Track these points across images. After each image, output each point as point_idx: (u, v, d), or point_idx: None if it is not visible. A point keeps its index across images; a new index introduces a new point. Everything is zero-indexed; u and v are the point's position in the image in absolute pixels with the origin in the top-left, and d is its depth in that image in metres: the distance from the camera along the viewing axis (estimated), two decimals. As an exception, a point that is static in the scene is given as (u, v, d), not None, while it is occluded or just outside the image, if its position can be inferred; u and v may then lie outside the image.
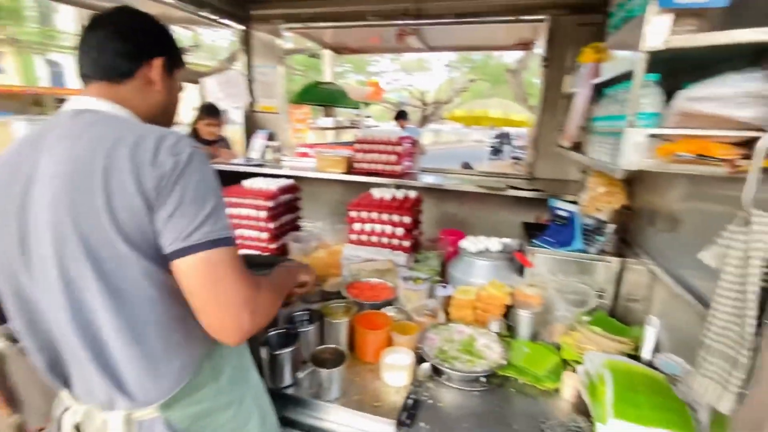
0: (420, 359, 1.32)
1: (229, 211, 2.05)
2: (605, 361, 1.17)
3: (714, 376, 0.77)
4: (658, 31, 0.88)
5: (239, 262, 0.76)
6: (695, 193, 1.19)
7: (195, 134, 2.75)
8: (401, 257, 1.80)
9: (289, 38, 3.56)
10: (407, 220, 1.77)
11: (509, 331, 1.53)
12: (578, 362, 1.30)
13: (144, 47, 0.86)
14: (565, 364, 1.35)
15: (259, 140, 2.94)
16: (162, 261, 0.72)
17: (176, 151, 0.71)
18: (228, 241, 0.74)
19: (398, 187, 2.12)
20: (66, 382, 0.84)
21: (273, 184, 2.10)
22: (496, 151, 13.73)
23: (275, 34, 2.80)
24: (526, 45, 3.01)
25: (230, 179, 2.21)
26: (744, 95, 0.78)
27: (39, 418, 1.51)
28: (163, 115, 0.92)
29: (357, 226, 1.85)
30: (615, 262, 1.55)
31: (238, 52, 2.91)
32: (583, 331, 1.34)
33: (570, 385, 1.22)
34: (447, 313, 1.61)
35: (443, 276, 1.85)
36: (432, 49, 3.30)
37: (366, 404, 1.16)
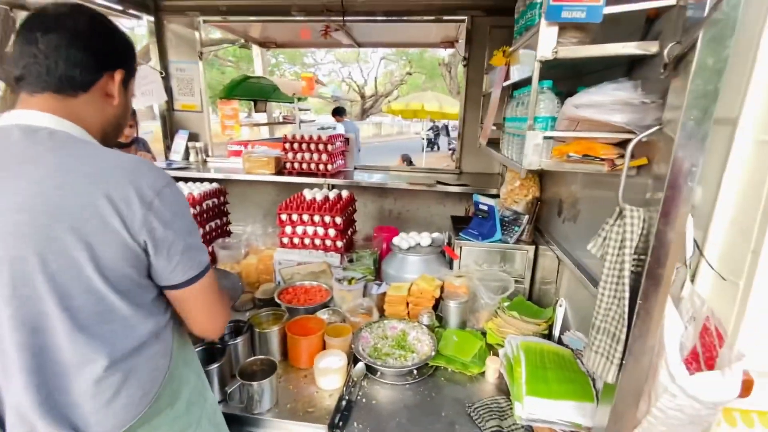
0: (355, 359, 1.34)
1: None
2: (521, 342, 1.28)
3: (602, 351, 0.88)
4: (548, 42, 0.96)
5: (215, 275, 0.87)
6: (590, 186, 1.33)
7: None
8: (335, 258, 1.80)
9: (212, 31, 3.35)
10: (339, 220, 1.76)
11: (440, 322, 1.61)
12: (501, 345, 1.41)
13: (106, 58, 0.76)
14: (491, 348, 1.46)
15: (180, 141, 2.76)
16: (128, 294, 0.73)
17: (157, 188, 0.71)
18: (209, 264, 0.84)
19: (332, 186, 2.11)
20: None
21: (196, 189, 1.98)
22: (431, 144, 14.11)
23: (192, 27, 2.62)
24: (451, 43, 3.12)
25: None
26: (616, 102, 0.88)
27: None
28: (114, 129, 0.84)
29: (288, 229, 1.81)
30: (530, 250, 1.69)
31: (151, 46, 2.68)
32: (502, 316, 1.45)
33: (493, 369, 1.31)
34: (383, 311, 1.65)
35: (378, 274, 1.88)
36: (360, 45, 3.30)
37: (299, 411, 1.15)
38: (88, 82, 0.74)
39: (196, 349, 1.22)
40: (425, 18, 2.39)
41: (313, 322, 1.42)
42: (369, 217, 2.65)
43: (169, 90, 2.74)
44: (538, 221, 1.76)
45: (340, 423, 1.12)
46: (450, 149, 13.83)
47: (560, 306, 1.40)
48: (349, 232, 1.95)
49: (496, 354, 1.38)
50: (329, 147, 2.22)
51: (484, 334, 1.52)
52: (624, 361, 0.83)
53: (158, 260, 0.73)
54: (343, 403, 1.20)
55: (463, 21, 2.32)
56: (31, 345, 0.69)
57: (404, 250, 1.82)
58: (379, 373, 1.32)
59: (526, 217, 1.71)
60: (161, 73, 2.68)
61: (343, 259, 1.82)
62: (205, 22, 2.63)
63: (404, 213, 2.71)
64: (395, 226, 2.19)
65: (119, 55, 0.79)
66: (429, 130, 14.42)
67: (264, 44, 3.63)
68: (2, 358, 0.69)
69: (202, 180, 2.18)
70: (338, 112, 5.92)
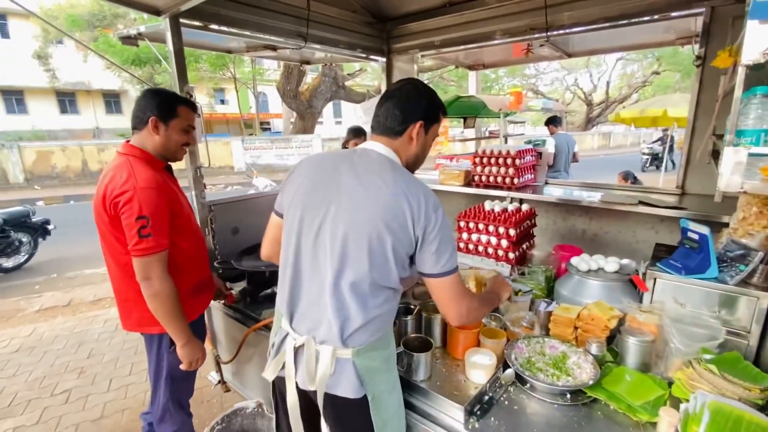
0: (505, 365, 1.41)
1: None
2: (710, 401, 1.05)
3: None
4: (758, 43, 0.82)
5: (462, 281, 1.15)
6: None
7: (346, 151, 3.36)
8: (506, 268, 1.88)
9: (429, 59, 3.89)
10: (512, 232, 1.83)
11: (615, 358, 1.46)
12: (688, 401, 1.18)
13: (410, 114, 1.14)
14: (677, 402, 1.23)
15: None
16: (398, 263, 1.07)
17: (435, 208, 1.06)
18: (457, 269, 1.12)
19: (520, 201, 2.17)
20: (290, 317, 1.18)
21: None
22: (656, 159, 10.80)
23: (411, 62, 3.17)
24: (687, 39, 2.58)
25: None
26: None
27: (227, 354, 2.19)
28: (414, 161, 1.22)
29: (465, 235, 2.00)
30: (763, 297, 1.30)
31: (382, 82, 3.40)
32: (696, 367, 1.20)
33: (667, 421, 1.13)
34: (547, 329, 1.62)
35: (550, 292, 1.83)
36: (570, 55, 3.13)
37: (446, 390, 1.33)
38: (401, 130, 1.14)
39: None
40: (646, 19, 2.11)
41: (472, 321, 1.56)
42: (556, 235, 2.52)
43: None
44: (783, 262, 1.33)
45: (478, 412, 1.24)
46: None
47: (793, 376, 1.05)
48: (524, 246, 1.97)
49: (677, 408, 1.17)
50: (517, 161, 2.28)
51: (669, 383, 1.29)
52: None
53: (419, 253, 1.07)
54: (485, 398, 1.30)
55: (699, 14, 1.94)
56: (341, 271, 1.07)
57: (582, 273, 1.71)
58: (529, 384, 1.35)
59: (761, 254, 1.32)
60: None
61: (513, 271, 1.87)
62: (423, 56, 3.14)
63: (601, 235, 2.44)
64: (587, 248, 2.03)
65: (419, 111, 1.15)
66: (655, 141, 11.34)
67: (472, 67, 3.94)
68: (323, 274, 1.10)
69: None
70: (552, 122, 5.62)
